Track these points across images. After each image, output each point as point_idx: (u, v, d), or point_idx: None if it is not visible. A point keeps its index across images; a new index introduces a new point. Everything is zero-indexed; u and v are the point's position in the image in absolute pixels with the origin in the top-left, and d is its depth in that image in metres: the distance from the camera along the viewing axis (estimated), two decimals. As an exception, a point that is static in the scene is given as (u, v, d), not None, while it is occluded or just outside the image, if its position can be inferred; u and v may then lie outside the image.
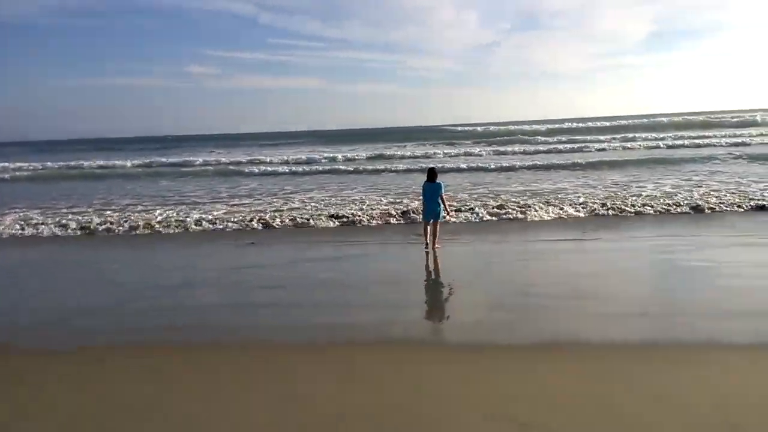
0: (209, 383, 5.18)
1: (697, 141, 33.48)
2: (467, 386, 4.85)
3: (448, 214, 11.19)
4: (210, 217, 14.74)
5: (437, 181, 10.87)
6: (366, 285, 8.56)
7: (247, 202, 17.98)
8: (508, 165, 25.64)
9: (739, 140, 32.69)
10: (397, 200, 16.43)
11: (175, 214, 15.42)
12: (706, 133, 38.87)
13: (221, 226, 13.81)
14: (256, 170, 28.44)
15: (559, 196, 16.12)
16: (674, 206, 13.52)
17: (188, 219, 14.51)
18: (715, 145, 31.07)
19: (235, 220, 14.19)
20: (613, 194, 15.96)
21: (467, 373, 5.15)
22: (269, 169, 29.14)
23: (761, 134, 36.45)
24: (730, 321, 6.21)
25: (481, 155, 32.66)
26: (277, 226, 13.61)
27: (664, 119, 55.43)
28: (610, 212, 13.46)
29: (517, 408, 4.39)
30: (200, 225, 13.96)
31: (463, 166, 26.28)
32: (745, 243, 10.04)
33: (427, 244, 10.67)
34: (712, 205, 13.46)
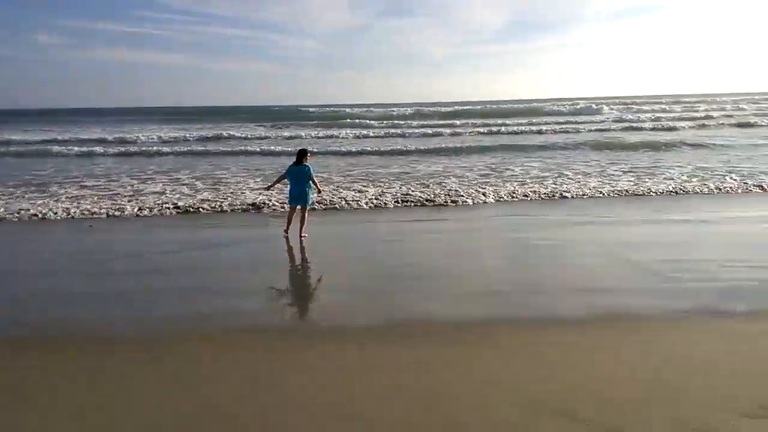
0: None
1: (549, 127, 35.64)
2: (302, 375, 4.60)
3: (320, 192, 10.70)
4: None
5: (306, 163, 10.15)
6: (215, 271, 7.99)
7: (97, 184, 16.28)
8: (376, 149, 25.35)
9: (582, 127, 35.50)
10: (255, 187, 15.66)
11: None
12: (549, 120, 41.87)
13: (56, 212, 12.36)
14: (112, 150, 26.03)
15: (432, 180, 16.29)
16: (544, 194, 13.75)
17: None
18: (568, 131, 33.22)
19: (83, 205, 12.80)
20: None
21: (304, 361, 4.90)
22: (123, 149, 26.69)
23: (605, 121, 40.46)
24: (568, 297, 6.54)
25: (346, 138, 32.17)
26: (125, 214, 12.28)
27: (521, 105, 58.88)
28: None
29: (352, 396, 4.23)
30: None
31: (337, 148, 25.78)
32: (586, 222, 10.77)
33: (287, 228, 10.06)
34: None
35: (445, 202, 12.98)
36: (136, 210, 12.45)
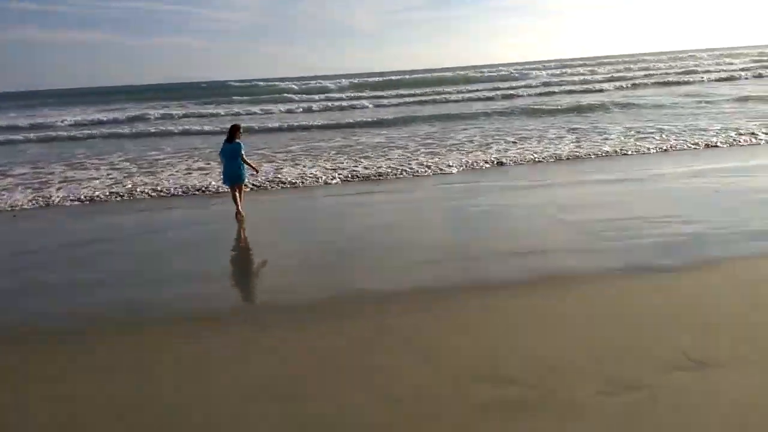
0: None
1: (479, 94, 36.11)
2: (240, 359, 4.48)
3: (257, 171, 10.38)
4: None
5: (238, 140, 9.81)
6: (153, 257, 7.75)
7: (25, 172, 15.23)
8: (309, 123, 24.69)
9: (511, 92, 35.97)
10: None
11: None
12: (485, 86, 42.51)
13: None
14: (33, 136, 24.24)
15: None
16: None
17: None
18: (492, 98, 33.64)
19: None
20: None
21: (244, 345, 4.79)
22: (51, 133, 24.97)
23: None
24: (500, 261, 6.65)
25: (281, 113, 31.31)
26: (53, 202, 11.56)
27: (453, 73, 58.90)
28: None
29: (290, 376, 4.13)
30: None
31: (274, 124, 24.97)
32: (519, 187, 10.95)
33: (238, 210, 9.65)
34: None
35: (390, 174, 12.88)
36: (69, 197, 11.78)
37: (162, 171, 14.48)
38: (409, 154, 15.28)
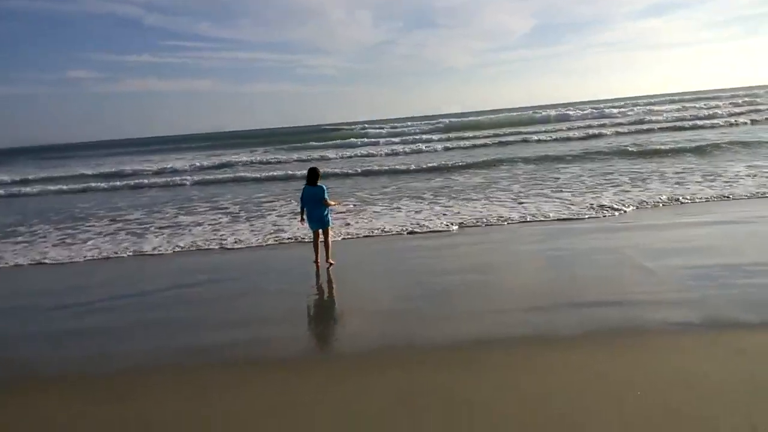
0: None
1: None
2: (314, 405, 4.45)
3: (339, 203, 10.02)
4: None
5: (319, 183, 9.47)
6: (225, 302, 7.93)
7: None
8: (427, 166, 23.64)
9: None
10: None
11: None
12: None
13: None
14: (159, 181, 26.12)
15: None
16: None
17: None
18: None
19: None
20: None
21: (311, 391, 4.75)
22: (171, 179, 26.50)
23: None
24: (568, 312, 6.27)
25: (375, 155, 31.66)
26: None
27: (571, 110, 57.30)
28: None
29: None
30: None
31: (368, 167, 25.02)
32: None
33: (316, 258, 9.39)
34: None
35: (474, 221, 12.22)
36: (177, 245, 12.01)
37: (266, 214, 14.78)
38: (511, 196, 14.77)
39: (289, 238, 11.71)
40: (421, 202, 14.88)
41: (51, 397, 5.16)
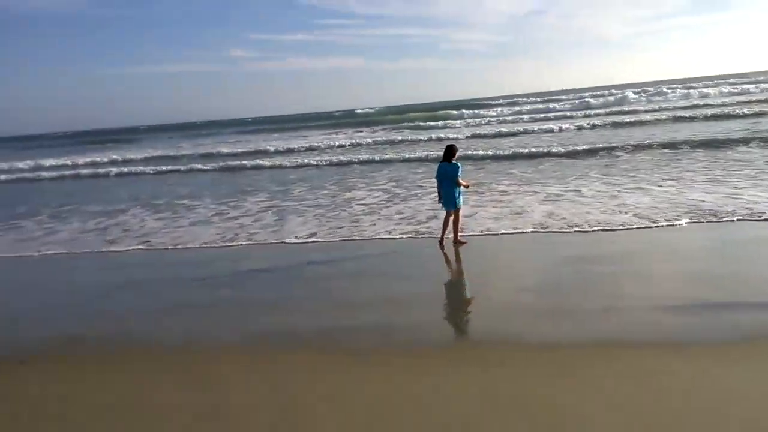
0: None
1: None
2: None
3: (467, 186, 9.58)
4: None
5: (454, 161, 9.37)
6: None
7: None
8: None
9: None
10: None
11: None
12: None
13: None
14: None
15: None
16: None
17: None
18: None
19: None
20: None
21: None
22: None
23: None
24: None
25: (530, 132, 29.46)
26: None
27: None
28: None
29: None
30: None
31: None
32: None
33: (442, 237, 9.38)
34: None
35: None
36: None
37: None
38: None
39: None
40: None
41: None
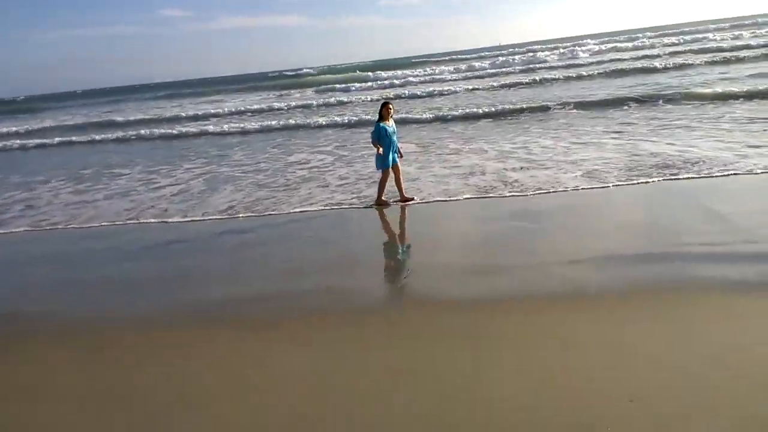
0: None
1: None
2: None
3: (400, 155, 9.77)
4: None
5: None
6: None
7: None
8: None
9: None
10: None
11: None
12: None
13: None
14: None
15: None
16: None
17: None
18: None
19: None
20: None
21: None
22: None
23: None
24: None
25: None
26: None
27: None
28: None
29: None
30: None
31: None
32: None
33: (380, 197, 9.57)
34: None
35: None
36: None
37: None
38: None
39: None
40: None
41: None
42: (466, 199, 9.52)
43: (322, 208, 9.92)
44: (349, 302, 5.87)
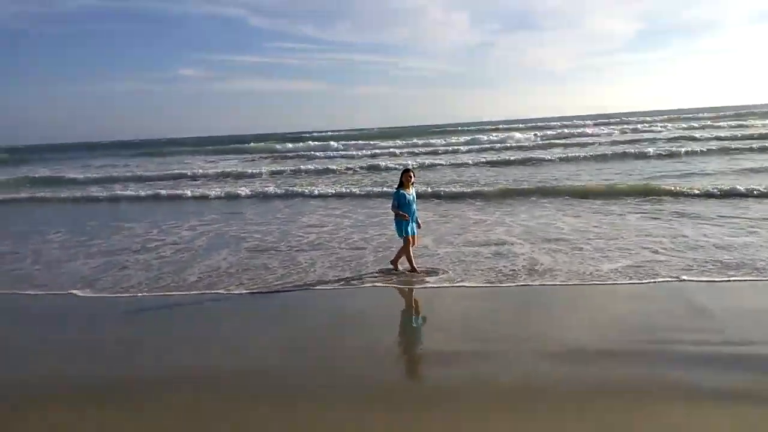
0: None
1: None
2: None
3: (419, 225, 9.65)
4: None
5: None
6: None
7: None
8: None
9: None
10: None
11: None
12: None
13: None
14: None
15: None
16: None
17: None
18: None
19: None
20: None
21: None
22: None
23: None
24: None
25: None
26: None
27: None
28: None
29: None
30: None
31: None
32: None
33: (414, 267, 9.29)
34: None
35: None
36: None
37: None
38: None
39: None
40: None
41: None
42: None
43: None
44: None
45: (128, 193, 23.86)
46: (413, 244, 9.48)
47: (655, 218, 12.87)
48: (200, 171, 30.84)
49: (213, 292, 9.05)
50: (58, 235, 14.68)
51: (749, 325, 6.52)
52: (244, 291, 9.03)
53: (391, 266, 9.66)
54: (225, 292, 8.99)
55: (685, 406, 4.72)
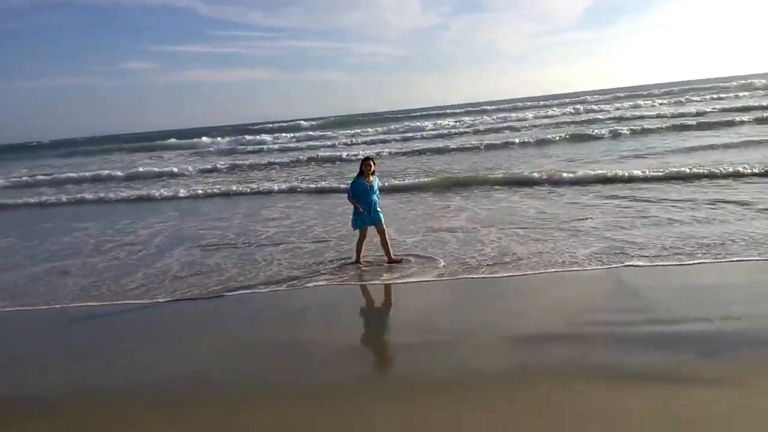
0: None
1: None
2: None
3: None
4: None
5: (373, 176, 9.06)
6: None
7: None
8: None
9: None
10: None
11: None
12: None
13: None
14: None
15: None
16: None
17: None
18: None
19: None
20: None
21: None
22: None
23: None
24: None
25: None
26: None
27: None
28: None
29: None
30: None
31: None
32: None
33: (359, 258, 9.07)
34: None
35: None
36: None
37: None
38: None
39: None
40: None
41: None
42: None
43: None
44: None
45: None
46: (383, 234, 9.04)
47: (607, 201, 13.00)
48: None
49: (140, 302, 8.52)
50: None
51: (680, 304, 6.72)
52: (170, 299, 8.58)
53: (387, 261, 9.12)
54: (161, 300, 8.56)
55: (605, 387, 4.86)
